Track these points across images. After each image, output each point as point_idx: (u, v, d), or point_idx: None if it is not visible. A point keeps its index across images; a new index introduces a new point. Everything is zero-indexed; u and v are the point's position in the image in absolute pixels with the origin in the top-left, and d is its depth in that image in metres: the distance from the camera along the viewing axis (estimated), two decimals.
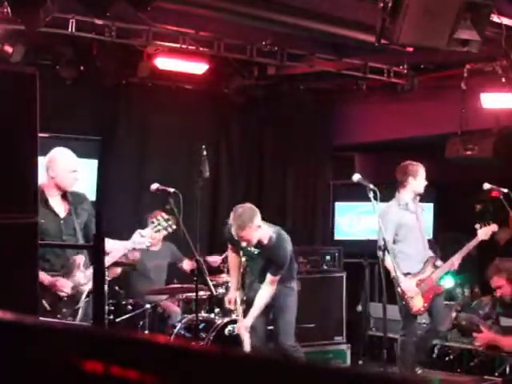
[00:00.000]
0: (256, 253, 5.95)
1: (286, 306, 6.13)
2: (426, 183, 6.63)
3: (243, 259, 6.20)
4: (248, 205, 5.91)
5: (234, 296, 6.22)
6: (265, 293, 5.98)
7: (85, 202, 5.22)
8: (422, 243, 6.65)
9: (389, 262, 6.30)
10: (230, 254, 6.33)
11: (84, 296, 4.97)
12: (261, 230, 5.83)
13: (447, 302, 7.33)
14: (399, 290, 6.42)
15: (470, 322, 6.40)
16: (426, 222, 7.52)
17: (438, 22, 4.81)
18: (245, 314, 6.06)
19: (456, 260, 6.61)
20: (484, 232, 6.62)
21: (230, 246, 6.26)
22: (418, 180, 6.60)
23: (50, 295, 4.82)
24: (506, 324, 6.64)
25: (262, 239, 5.87)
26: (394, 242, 6.51)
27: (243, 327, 5.90)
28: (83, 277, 4.99)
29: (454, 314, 6.47)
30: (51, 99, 6.63)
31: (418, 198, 6.75)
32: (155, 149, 8.21)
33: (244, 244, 5.85)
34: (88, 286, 4.97)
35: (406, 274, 6.46)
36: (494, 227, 6.66)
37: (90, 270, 5.19)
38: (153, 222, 5.32)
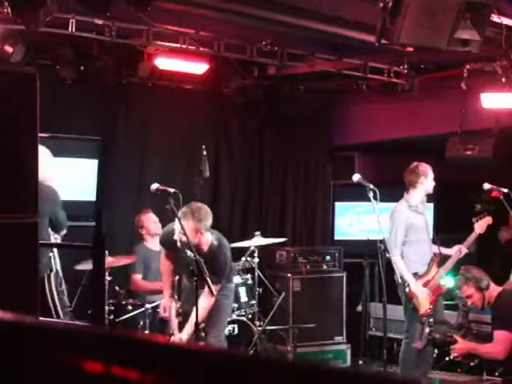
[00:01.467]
0: (192, 260, 5.41)
1: (218, 306, 5.77)
2: (434, 183, 6.66)
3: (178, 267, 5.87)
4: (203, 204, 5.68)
5: (168, 304, 5.83)
6: (204, 304, 5.55)
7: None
8: (429, 244, 6.66)
9: (400, 263, 6.30)
10: (164, 261, 5.99)
11: None
12: (206, 235, 5.58)
13: (448, 302, 7.34)
14: (407, 291, 6.41)
15: (444, 335, 6.36)
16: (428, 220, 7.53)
17: (438, 22, 4.81)
18: (180, 327, 5.66)
19: (455, 256, 6.63)
20: (479, 225, 6.63)
21: (164, 251, 5.98)
22: (429, 180, 6.62)
23: None
24: (479, 329, 6.67)
25: (202, 245, 5.59)
26: (403, 243, 6.51)
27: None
28: None
29: (427, 330, 6.42)
30: (51, 99, 6.66)
31: (425, 198, 6.78)
32: (155, 149, 8.21)
33: (185, 247, 5.45)
34: None
35: (413, 275, 6.46)
36: (488, 220, 6.67)
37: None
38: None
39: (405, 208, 6.60)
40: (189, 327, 5.58)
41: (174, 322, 5.73)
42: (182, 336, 5.59)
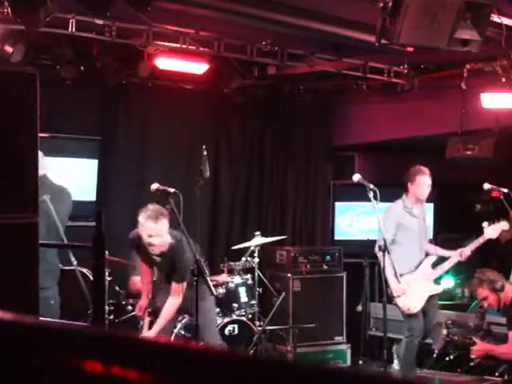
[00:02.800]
0: (158, 261, 5.77)
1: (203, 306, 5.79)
2: (427, 190, 6.62)
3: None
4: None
5: (144, 303, 6.08)
6: (170, 304, 5.75)
7: None
8: (420, 249, 6.66)
9: (386, 262, 6.31)
10: (141, 262, 6.16)
11: None
12: (165, 236, 5.65)
13: (448, 302, 7.34)
14: (388, 291, 6.47)
15: (463, 337, 6.39)
16: (426, 222, 7.52)
17: (438, 22, 4.81)
18: (150, 325, 5.84)
19: (455, 256, 6.63)
20: (492, 230, 6.59)
21: (138, 255, 6.11)
22: (415, 185, 6.62)
23: None
24: (498, 331, 6.67)
25: (163, 246, 5.68)
26: (393, 242, 6.52)
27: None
28: None
29: (445, 331, 6.45)
30: (51, 99, 6.66)
31: (422, 203, 6.77)
32: (155, 149, 8.21)
33: (152, 249, 5.66)
34: None
35: (401, 275, 6.47)
36: (503, 225, 6.62)
37: None
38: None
39: (399, 207, 6.63)
40: (157, 326, 5.75)
41: (146, 320, 5.94)
42: (149, 334, 5.69)
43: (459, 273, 9.25)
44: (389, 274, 6.41)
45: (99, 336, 1.21)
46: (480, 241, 6.61)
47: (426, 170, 6.66)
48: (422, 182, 6.62)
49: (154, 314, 5.88)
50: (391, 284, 6.45)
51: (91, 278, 6.23)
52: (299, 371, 1.02)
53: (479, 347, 6.22)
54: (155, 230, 5.58)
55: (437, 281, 6.72)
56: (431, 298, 6.65)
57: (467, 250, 6.61)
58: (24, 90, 3.15)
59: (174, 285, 5.75)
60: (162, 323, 5.74)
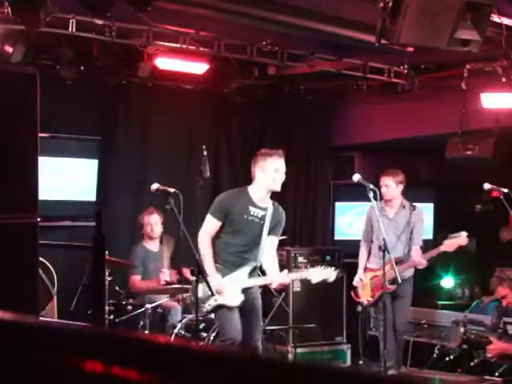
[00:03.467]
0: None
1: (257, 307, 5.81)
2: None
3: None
4: None
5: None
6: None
7: None
8: (394, 245, 6.65)
9: (360, 255, 6.81)
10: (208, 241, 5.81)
11: None
12: None
13: (448, 302, 7.34)
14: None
15: (479, 336, 6.41)
16: (426, 222, 7.53)
17: (438, 22, 4.81)
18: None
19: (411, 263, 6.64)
20: (450, 244, 6.55)
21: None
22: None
23: None
24: None
25: None
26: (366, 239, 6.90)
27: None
28: None
29: (462, 329, 6.48)
30: (51, 99, 6.66)
31: (396, 203, 6.79)
32: (155, 149, 8.21)
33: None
34: None
35: (367, 270, 6.81)
36: (462, 240, 6.50)
37: None
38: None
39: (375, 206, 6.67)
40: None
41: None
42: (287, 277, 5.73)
43: (459, 273, 9.25)
44: (360, 265, 6.85)
45: (99, 336, 1.21)
46: (435, 252, 6.60)
47: None
48: (382, 185, 6.80)
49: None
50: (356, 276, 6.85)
51: (51, 269, 6.23)
52: (299, 371, 1.02)
53: (495, 346, 6.23)
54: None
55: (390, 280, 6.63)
56: (401, 300, 6.76)
57: (424, 259, 6.62)
58: (24, 89, 3.15)
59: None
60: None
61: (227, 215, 5.65)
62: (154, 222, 7.15)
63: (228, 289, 5.58)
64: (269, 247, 5.75)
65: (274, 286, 5.81)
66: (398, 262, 6.46)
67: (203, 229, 5.68)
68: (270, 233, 5.74)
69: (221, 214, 5.66)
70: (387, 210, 6.82)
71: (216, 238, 5.75)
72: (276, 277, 5.69)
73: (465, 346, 6.65)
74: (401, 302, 6.76)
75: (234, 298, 5.60)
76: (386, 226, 6.56)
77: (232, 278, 5.63)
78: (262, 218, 5.70)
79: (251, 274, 5.69)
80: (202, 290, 5.51)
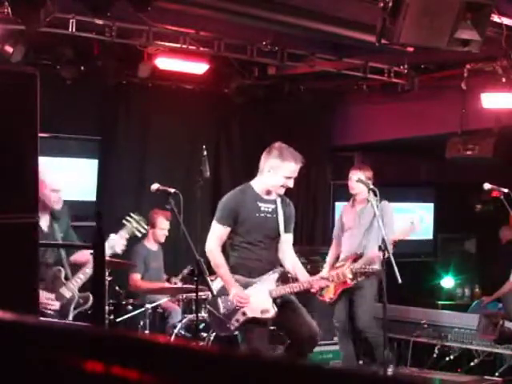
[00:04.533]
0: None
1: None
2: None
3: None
4: None
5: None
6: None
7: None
8: (359, 241, 6.65)
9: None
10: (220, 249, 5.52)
11: (71, 309, 5.01)
12: None
13: (448, 302, 7.34)
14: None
15: None
16: (427, 222, 7.53)
17: (438, 22, 4.81)
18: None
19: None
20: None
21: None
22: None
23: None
24: None
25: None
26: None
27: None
28: (66, 290, 5.02)
29: (500, 322, 6.57)
30: (51, 99, 6.65)
31: (372, 198, 6.66)
32: (155, 149, 8.21)
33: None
34: (74, 299, 5.05)
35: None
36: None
37: (73, 282, 5.28)
38: (124, 225, 5.39)
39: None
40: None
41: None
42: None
43: (459, 273, 9.25)
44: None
45: (99, 336, 1.21)
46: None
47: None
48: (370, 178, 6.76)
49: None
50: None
51: None
52: (299, 371, 1.02)
53: None
54: None
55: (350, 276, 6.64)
56: (359, 299, 6.81)
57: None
58: (24, 89, 3.15)
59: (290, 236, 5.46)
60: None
61: (236, 218, 5.23)
62: (166, 228, 7.13)
63: (255, 300, 5.19)
64: (286, 248, 5.35)
65: (313, 290, 5.44)
66: (358, 257, 6.52)
67: (211, 238, 5.26)
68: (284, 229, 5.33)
69: (229, 220, 5.24)
70: (356, 205, 6.89)
71: (229, 249, 5.38)
72: (315, 280, 5.35)
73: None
74: (360, 299, 6.77)
75: (266, 311, 5.22)
76: (355, 222, 6.69)
77: (257, 287, 5.23)
78: (274, 212, 5.34)
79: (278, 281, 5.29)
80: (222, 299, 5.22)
